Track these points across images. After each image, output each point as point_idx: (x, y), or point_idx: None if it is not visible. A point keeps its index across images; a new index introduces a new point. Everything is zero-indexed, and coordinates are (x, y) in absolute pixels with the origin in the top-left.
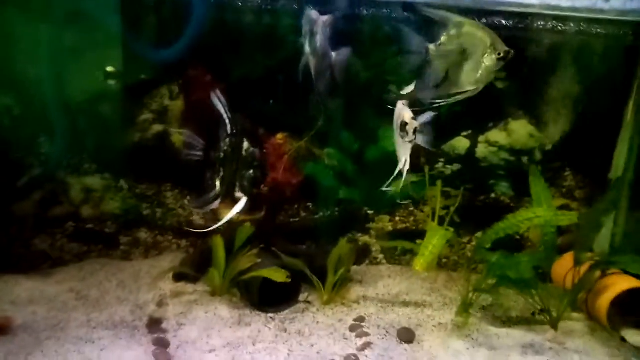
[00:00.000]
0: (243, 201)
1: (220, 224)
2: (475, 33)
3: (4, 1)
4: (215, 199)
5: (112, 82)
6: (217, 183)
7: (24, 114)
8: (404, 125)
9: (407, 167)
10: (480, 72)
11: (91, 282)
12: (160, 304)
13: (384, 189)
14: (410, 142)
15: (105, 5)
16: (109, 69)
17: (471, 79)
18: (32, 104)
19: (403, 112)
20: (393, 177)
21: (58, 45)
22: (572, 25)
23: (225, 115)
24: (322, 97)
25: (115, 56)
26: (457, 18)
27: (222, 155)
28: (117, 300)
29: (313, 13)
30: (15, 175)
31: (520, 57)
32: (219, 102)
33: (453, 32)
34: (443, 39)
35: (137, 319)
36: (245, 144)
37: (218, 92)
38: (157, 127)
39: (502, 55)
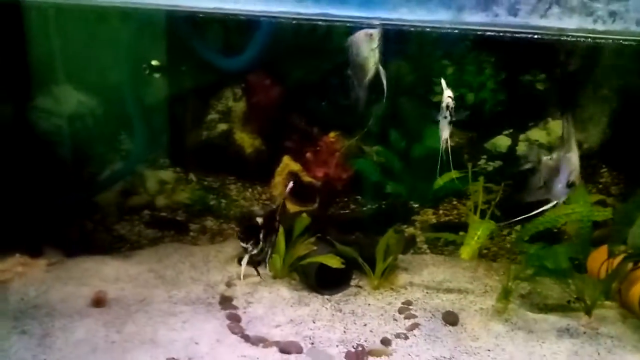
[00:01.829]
0: None
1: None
2: None
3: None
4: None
5: (156, 76)
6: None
7: (105, 114)
8: (446, 106)
9: (448, 145)
10: None
11: (167, 263)
12: (229, 284)
13: None
14: (449, 122)
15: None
16: (154, 62)
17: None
18: (114, 104)
19: (445, 93)
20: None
21: (135, 49)
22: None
23: None
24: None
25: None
26: None
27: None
28: (191, 279)
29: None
30: (97, 169)
31: (560, 63)
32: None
33: None
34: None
35: (210, 297)
36: None
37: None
38: (222, 126)
39: None
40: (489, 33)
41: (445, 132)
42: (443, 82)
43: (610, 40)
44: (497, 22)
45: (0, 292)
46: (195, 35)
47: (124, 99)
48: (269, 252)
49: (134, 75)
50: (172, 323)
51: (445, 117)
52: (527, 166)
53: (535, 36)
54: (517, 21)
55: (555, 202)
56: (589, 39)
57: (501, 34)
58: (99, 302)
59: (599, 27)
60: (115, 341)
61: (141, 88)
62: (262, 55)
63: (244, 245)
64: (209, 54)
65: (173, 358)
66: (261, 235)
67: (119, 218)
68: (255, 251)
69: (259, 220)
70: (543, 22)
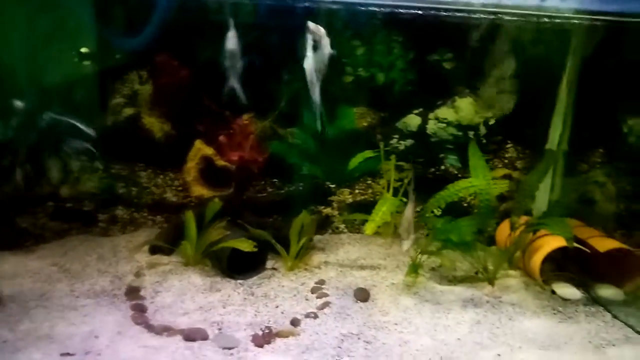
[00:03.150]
0: None
1: None
2: None
3: None
4: None
5: (86, 63)
6: None
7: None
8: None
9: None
10: None
11: (72, 256)
12: (138, 274)
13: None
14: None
15: None
16: (84, 49)
17: None
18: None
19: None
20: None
21: (30, 28)
22: (513, 17)
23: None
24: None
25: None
26: None
27: None
28: (98, 272)
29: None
30: None
31: (465, 42)
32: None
33: None
34: None
35: (117, 288)
36: None
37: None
38: (129, 110)
39: None
40: (397, 10)
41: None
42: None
43: (516, 17)
44: None
45: None
46: (96, 15)
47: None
48: None
49: (30, 58)
50: (72, 317)
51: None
52: None
53: (443, 12)
54: None
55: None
56: (496, 15)
57: (408, 10)
58: None
59: (507, 1)
60: (8, 340)
61: (40, 72)
62: (164, 35)
63: None
64: (108, 34)
65: (68, 353)
66: None
67: (21, 211)
68: None
69: None
70: None
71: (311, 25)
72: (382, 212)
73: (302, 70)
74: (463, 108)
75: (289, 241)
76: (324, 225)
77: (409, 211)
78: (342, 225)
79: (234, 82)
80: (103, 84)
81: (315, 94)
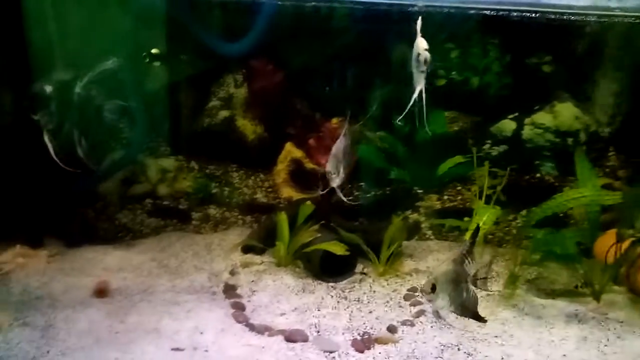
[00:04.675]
0: None
1: None
2: None
3: None
4: None
5: (156, 64)
6: None
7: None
8: (418, 56)
9: (423, 97)
10: None
11: (170, 252)
12: (233, 272)
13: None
14: (422, 72)
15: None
16: (154, 50)
17: None
18: (113, 91)
19: (420, 44)
20: (409, 107)
21: (133, 34)
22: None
23: None
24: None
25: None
26: None
27: None
28: (194, 268)
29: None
30: (98, 158)
31: (566, 45)
32: None
33: None
34: None
35: (214, 286)
36: None
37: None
38: (224, 113)
39: None
40: (493, 13)
41: (419, 84)
42: (418, 26)
43: (624, 19)
44: (503, 1)
45: (2, 283)
46: (195, 20)
47: (123, 86)
48: None
49: (134, 62)
50: (176, 312)
51: (420, 70)
52: None
53: (540, 15)
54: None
55: None
56: (601, 18)
57: (506, 13)
58: (101, 292)
59: (613, 3)
60: (119, 331)
61: (141, 75)
62: (264, 40)
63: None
64: (209, 39)
65: (178, 348)
66: None
67: (121, 207)
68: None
69: None
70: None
71: (420, 40)
72: (483, 221)
73: (394, 73)
74: (562, 113)
75: (379, 246)
76: (414, 231)
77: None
78: (430, 232)
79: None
80: (201, 87)
81: (418, 98)
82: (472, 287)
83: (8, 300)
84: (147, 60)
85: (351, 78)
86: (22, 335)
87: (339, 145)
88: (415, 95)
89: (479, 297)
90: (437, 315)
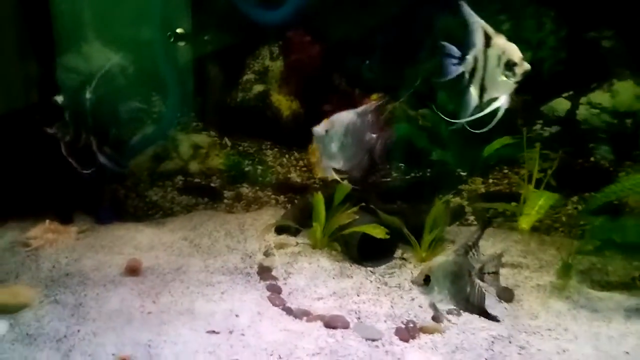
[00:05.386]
0: None
1: None
2: None
3: None
4: None
5: (181, 44)
6: None
7: (137, 74)
8: (511, 64)
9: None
10: None
11: (201, 231)
12: (267, 253)
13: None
14: (516, 83)
15: None
16: (179, 30)
17: None
18: (145, 64)
19: (511, 49)
20: (486, 111)
21: (165, 4)
22: None
23: None
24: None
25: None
26: None
27: None
28: (227, 248)
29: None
30: (128, 132)
31: (631, 17)
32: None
33: None
34: None
35: (248, 267)
36: None
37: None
38: (259, 87)
39: None
40: None
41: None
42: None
43: None
44: None
45: (31, 259)
46: None
47: (155, 59)
48: None
49: (166, 34)
50: (210, 293)
51: (508, 78)
52: None
53: None
54: None
55: None
56: None
57: None
58: (133, 270)
59: None
60: (152, 312)
61: (173, 47)
62: (303, 8)
63: None
64: (246, 6)
65: (213, 331)
66: None
67: (152, 184)
68: None
69: None
70: None
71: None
72: (538, 206)
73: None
74: (622, 92)
75: (419, 230)
76: (458, 215)
77: None
78: (472, 217)
79: None
80: (235, 59)
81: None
82: (478, 282)
83: (38, 276)
84: (172, 39)
85: (394, 52)
86: (53, 313)
87: (343, 120)
88: (495, 106)
89: (514, 291)
90: (434, 309)
